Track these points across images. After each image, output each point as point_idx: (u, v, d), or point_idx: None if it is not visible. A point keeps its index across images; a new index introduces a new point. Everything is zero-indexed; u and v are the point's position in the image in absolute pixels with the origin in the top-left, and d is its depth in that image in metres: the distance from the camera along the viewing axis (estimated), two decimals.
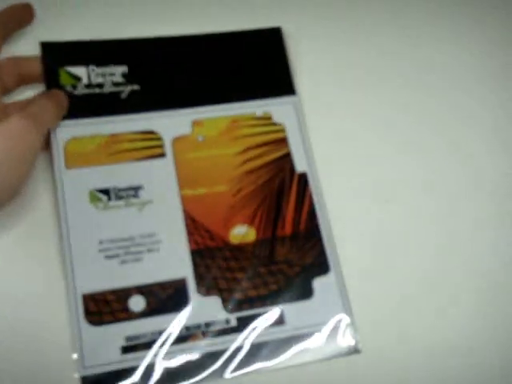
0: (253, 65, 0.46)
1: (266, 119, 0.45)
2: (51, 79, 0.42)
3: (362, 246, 0.43)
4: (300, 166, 0.44)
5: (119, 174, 0.42)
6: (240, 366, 0.39)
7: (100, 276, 0.39)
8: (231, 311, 0.40)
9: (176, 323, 0.39)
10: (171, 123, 0.44)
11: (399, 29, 0.50)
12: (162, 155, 0.43)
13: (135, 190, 0.42)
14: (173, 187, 0.42)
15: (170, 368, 0.38)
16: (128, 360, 0.38)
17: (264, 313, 0.40)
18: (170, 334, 0.39)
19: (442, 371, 0.41)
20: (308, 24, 0.49)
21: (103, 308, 0.39)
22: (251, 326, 0.40)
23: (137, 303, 0.39)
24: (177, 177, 0.42)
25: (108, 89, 0.43)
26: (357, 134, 0.46)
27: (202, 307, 0.40)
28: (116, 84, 0.43)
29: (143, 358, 0.38)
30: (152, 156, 0.43)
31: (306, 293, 0.41)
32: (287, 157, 0.44)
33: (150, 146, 0.43)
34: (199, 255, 0.41)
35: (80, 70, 0.43)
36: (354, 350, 0.40)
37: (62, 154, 0.41)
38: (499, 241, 0.45)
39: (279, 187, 0.43)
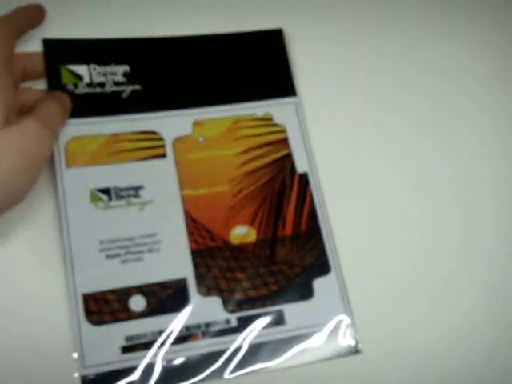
0: (254, 66, 0.46)
1: (267, 120, 0.45)
2: (53, 77, 0.42)
3: (362, 247, 0.43)
4: (301, 166, 0.44)
5: (120, 174, 0.42)
6: (240, 366, 0.39)
7: (100, 276, 0.39)
8: (231, 311, 0.40)
9: (176, 323, 0.39)
10: (172, 123, 0.44)
11: (399, 31, 0.50)
12: (163, 155, 0.43)
13: (136, 190, 0.42)
14: (173, 187, 0.42)
15: (170, 368, 0.38)
16: (128, 360, 0.38)
17: (264, 313, 0.40)
18: (170, 333, 0.39)
19: (442, 372, 0.41)
20: (309, 25, 0.49)
21: (103, 308, 0.39)
22: (251, 326, 0.40)
23: (137, 303, 0.39)
24: (177, 177, 0.42)
25: (109, 88, 0.43)
26: (357, 134, 0.46)
27: (202, 307, 0.40)
28: (117, 83, 0.43)
29: (143, 357, 0.38)
30: (153, 156, 0.43)
31: (306, 293, 0.41)
32: (288, 157, 0.44)
33: (150, 147, 0.43)
34: (200, 255, 0.41)
35: (81, 69, 0.43)
36: (355, 351, 0.40)
37: (62, 153, 0.41)
38: (499, 242, 0.45)
39: (280, 187, 0.43)
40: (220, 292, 0.40)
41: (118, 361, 0.38)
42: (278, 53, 0.47)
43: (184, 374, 0.38)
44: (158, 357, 0.38)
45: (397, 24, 0.51)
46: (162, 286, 0.40)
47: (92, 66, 0.43)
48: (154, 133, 0.43)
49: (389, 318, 0.41)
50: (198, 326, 0.39)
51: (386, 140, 0.46)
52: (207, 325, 0.39)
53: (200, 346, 0.39)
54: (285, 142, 0.45)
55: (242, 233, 0.42)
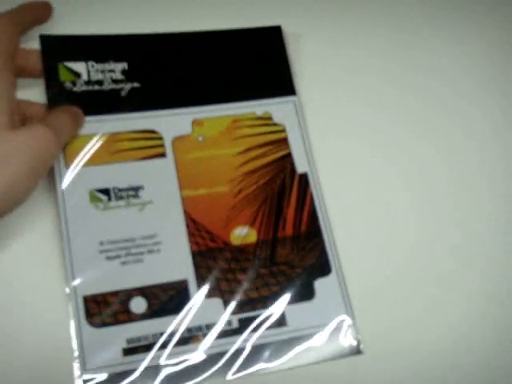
0: (253, 63, 0.46)
1: (267, 119, 0.45)
2: (50, 75, 0.42)
3: (363, 247, 0.43)
4: (301, 166, 0.44)
5: (119, 174, 0.41)
6: (242, 368, 0.39)
7: (101, 278, 0.39)
8: (233, 313, 0.40)
9: (177, 325, 0.39)
10: (171, 122, 0.43)
11: (399, 31, 0.50)
12: (163, 155, 0.42)
13: (135, 191, 0.41)
14: (173, 188, 0.42)
15: (171, 370, 0.38)
16: (129, 362, 0.38)
17: (266, 314, 0.40)
18: (172, 335, 0.39)
19: (443, 372, 0.41)
20: (309, 23, 0.49)
21: (104, 310, 0.38)
22: (253, 327, 0.40)
23: (138, 305, 0.39)
24: (177, 177, 0.42)
25: (108, 86, 0.43)
26: (357, 134, 0.46)
27: (203, 309, 0.39)
28: (115, 81, 0.43)
29: (145, 360, 0.38)
30: (152, 156, 0.42)
31: (307, 294, 0.41)
32: (288, 157, 0.44)
33: (150, 146, 0.42)
34: (200, 256, 0.41)
35: (79, 66, 0.42)
36: (356, 351, 0.40)
37: (62, 152, 0.41)
38: (499, 242, 0.46)
39: (280, 188, 0.43)
40: (221, 293, 0.40)
41: (120, 363, 0.38)
42: (277, 50, 0.47)
43: (186, 375, 0.38)
44: (159, 359, 0.38)
45: (397, 24, 0.51)
46: (163, 287, 0.39)
47: (90, 63, 0.43)
48: (153, 132, 0.43)
49: (390, 318, 0.42)
50: (200, 328, 0.39)
51: (386, 140, 0.47)
52: (208, 326, 0.39)
53: (202, 348, 0.39)
54: (284, 141, 0.45)
55: (242, 234, 0.42)
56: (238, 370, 0.39)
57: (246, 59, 0.46)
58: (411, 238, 0.44)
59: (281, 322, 0.40)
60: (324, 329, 0.40)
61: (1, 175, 0.34)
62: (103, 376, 0.37)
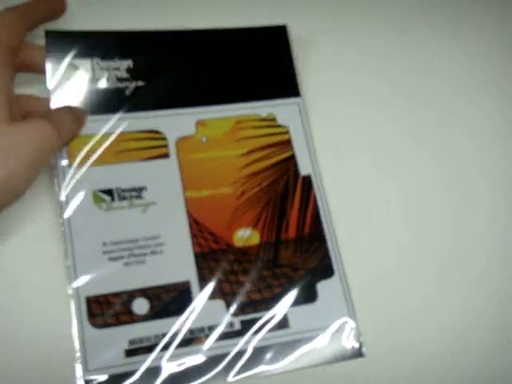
0: (257, 64, 0.46)
1: (270, 121, 0.45)
2: (55, 71, 0.41)
3: (366, 250, 0.43)
4: (304, 168, 0.44)
5: (123, 174, 0.41)
6: (243, 370, 0.39)
7: (104, 278, 0.39)
8: (235, 314, 0.40)
9: (179, 326, 0.39)
10: (175, 123, 0.43)
11: (403, 31, 0.50)
12: (166, 156, 0.42)
13: (139, 191, 0.41)
14: (177, 189, 0.42)
15: (173, 371, 0.38)
16: (131, 363, 0.38)
17: (268, 316, 0.40)
18: (174, 337, 0.39)
19: (446, 376, 0.41)
20: (314, 23, 0.48)
21: (107, 311, 0.38)
22: (255, 329, 0.40)
23: (140, 306, 0.39)
24: (181, 178, 0.42)
25: (112, 84, 0.43)
26: (361, 137, 0.46)
27: (205, 310, 0.39)
28: (120, 79, 0.43)
29: (147, 361, 0.38)
30: (156, 156, 0.42)
31: (310, 296, 0.41)
32: (291, 159, 0.44)
33: (154, 146, 0.42)
34: (203, 258, 0.41)
35: (84, 63, 0.42)
36: (358, 354, 0.40)
37: (65, 152, 0.41)
38: (501, 242, 0.46)
39: (283, 190, 0.43)
40: (223, 295, 0.40)
41: (122, 364, 0.38)
42: (281, 50, 0.47)
43: (187, 377, 0.38)
44: (161, 360, 0.38)
45: (402, 24, 0.51)
46: (166, 288, 0.39)
47: (95, 60, 0.43)
48: (157, 132, 0.42)
49: (393, 321, 0.42)
50: (202, 330, 0.39)
51: (390, 143, 0.46)
52: (211, 328, 0.39)
53: (203, 350, 0.39)
54: (288, 143, 0.44)
55: (245, 235, 0.42)
56: (240, 372, 0.39)
57: (250, 59, 0.46)
58: (414, 242, 0.44)
59: (283, 324, 0.40)
60: (326, 331, 0.40)
61: (0, 168, 0.34)
62: (105, 377, 0.37)
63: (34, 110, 0.40)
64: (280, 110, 0.45)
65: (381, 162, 0.46)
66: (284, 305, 0.40)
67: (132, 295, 0.39)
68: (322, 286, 0.41)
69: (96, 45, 0.43)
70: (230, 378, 0.38)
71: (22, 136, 0.35)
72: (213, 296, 0.40)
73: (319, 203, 0.43)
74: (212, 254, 0.41)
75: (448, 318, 0.43)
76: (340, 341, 0.40)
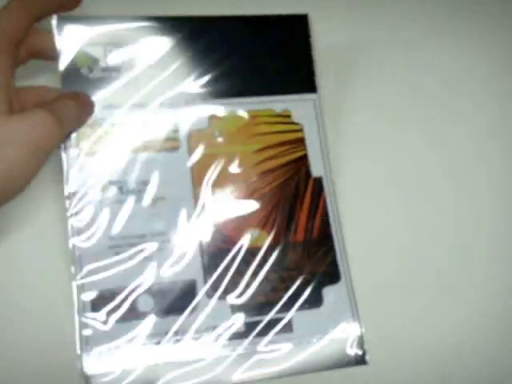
0: (275, 54, 0.44)
1: (285, 117, 0.44)
2: (66, 60, 0.40)
3: (374, 257, 0.43)
4: (316, 169, 0.43)
5: (132, 166, 0.40)
6: (245, 372, 0.39)
7: (109, 273, 0.38)
8: (239, 316, 0.39)
9: (183, 325, 0.39)
10: (188, 115, 0.42)
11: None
12: (177, 149, 0.41)
13: (147, 185, 0.40)
14: (186, 184, 0.41)
15: (174, 371, 0.38)
16: (133, 360, 0.38)
17: (272, 319, 0.40)
18: (177, 336, 0.38)
19: None
20: (337, 14, 0.46)
21: (111, 306, 0.38)
22: (259, 331, 0.39)
23: (145, 303, 0.39)
24: (191, 173, 0.41)
25: (125, 73, 0.41)
26: (377, 141, 0.45)
27: (209, 310, 0.39)
28: (134, 68, 0.41)
29: (149, 358, 0.38)
30: (166, 149, 0.41)
31: (315, 301, 0.41)
32: (304, 159, 0.43)
33: (165, 139, 0.41)
34: (210, 257, 0.40)
35: (97, 51, 0.41)
36: (361, 362, 0.40)
37: (73, 141, 0.39)
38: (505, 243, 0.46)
39: (294, 191, 0.42)
40: (229, 296, 0.40)
41: (124, 361, 0.37)
42: (301, 42, 0.45)
43: (189, 377, 0.38)
44: (164, 359, 0.38)
45: (424, 23, 0.49)
46: (171, 286, 0.39)
47: (108, 47, 0.41)
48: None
49: (398, 330, 0.42)
50: (205, 330, 0.39)
51: (407, 152, 0.46)
52: (214, 328, 0.39)
53: (206, 350, 0.39)
54: (302, 142, 0.43)
55: (253, 236, 0.41)
56: (242, 375, 0.39)
57: (267, 49, 0.44)
58: (425, 251, 0.44)
59: (287, 328, 0.40)
60: (330, 337, 0.40)
61: None
62: (107, 373, 0.37)
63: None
64: (296, 106, 0.44)
65: (396, 170, 0.45)
66: (289, 309, 0.40)
67: (137, 292, 0.39)
68: (328, 292, 0.41)
69: (109, 31, 0.41)
70: (232, 380, 0.38)
71: (20, 128, 0.34)
72: (218, 296, 0.40)
73: (329, 207, 0.43)
74: (219, 254, 0.40)
75: (454, 329, 0.43)
76: (343, 347, 0.40)
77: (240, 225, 0.41)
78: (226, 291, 0.40)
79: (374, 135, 0.46)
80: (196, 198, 0.41)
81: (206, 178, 0.41)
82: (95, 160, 0.40)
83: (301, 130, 0.44)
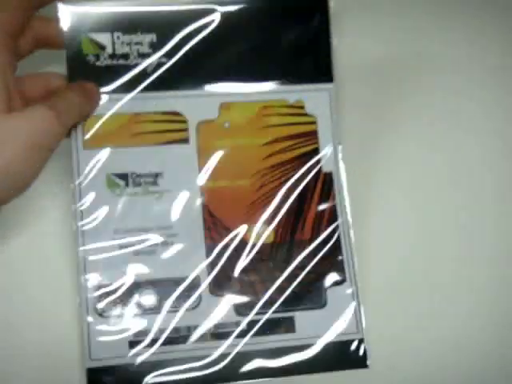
0: (290, 40, 0.42)
1: (298, 108, 0.42)
2: (72, 47, 0.39)
3: (381, 259, 0.42)
4: (327, 165, 0.42)
5: (139, 158, 0.40)
6: (246, 370, 0.39)
7: (113, 266, 0.38)
8: (242, 314, 0.39)
9: (185, 322, 0.39)
10: (198, 105, 0.41)
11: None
12: (186, 140, 0.40)
13: (154, 177, 0.40)
14: (193, 177, 0.40)
15: (175, 367, 0.38)
16: (134, 355, 0.38)
17: (275, 319, 0.40)
18: (179, 332, 0.39)
19: None
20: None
21: (114, 300, 0.38)
22: (261, 331, 0.39)
23: (147, 298, 0.39)
24: (199, 166, 0.40)
25: (133, 60, 0.40)
26: (393, 138, 0.43)
27: (212, 307, 0.39)
28: (142, 55, 0.40)
29: (150, 354, 0.38)
30: (175, 141, 0.40)
31: (319, 302, 0.40)
32: (315, 153, 0.42)
33: (173, 130, 0.40)
34: (214, 252, 0.40)
35: (104, 37, 0.39)
36: (362, 365, 0.40)
37: (80, 132, 0.39)
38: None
39: (303, 187, 0.41)
40: (232, 293, 0.40)
41: (125, 355, 0.38)
42: (319, 27, 0.42)
43: (190, 374, 0.38)
44: (165, 354, 0.38)
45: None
46: (174, 282, 0.39)
47: (116, 34, 0.39)
48: (177, 114, 0.40)
49: (400, 335, 0.42)
50: (208, 327, 0.39)
51: (426, 153, 0.44)
52: (216, 326, 0.39)
53: (208, 347, 0.39)
54: (314, 135, 0.42)
55: (259, 232, 0.41)
56: (242, 373, 0.39)
57: (283, 34, 0.42)
58: (430, 255, 0.43)
59: (289, 327, 0.40)
60: (332, 339, 0.40)
61: None
62: (108, 367, 0.38)
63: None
64: (309, 96, 0.42)
65: (410, 172, 0.43)
66: (292, 308, 0.40)
67: (140, 286, 0.39)
68: (332, 292, 0.41)
69: (117, 17, 0.39)
70: (232, 377, 0.39)
71: (18, 125, 0.33)
72: (221, 293, 0.39)
73: (338, 205, 0.41)
74: (224, 250, 0.40)
75: (457, 333, 0.42)
76: (345, 350, 0.40)
77: (247, 220, 0.40)
78: (230, 289, 0.40)
79: (392, 130, 0.44)
80: (203, 191, 0.40)
81: (213, 171, 0.40)
82: (102, 151, 0.39)
83: (314, 123, 0.42)
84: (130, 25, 0.40)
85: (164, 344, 0.38)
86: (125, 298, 0.38)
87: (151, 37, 0.40)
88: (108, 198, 0.39)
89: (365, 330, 0.40)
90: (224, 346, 0.39)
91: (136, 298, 0.38)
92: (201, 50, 0.41)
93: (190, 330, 0.39)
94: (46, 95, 0.37)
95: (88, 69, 0.39)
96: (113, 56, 0.39)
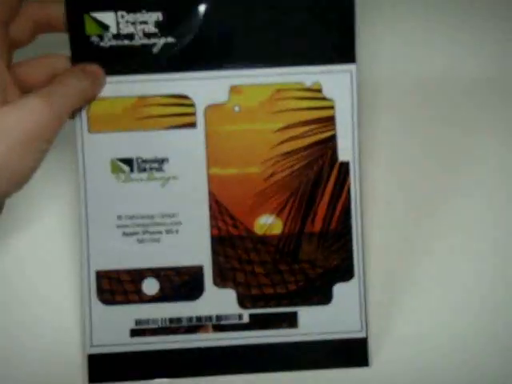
0: (309, 17, 0.38)
1: (315, 91, 0.39)
2: (75, 27, 0.37)
3: (392, 257, 0.40)
4: (343, 153, 0.39)
5: (144, 143, 0.38)
6: (246, 365, 0.39)
7: (116, 253, 0.38)
8: (245, 307, 0.39)
9: (187, 312, 0.38)
10: (207, 88, 0.38)
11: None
12: (193, 125, 0.39)
13: (160, 163, 0.38)
14: (200, 164, 0.39)
15: (176, 358, 0.38)
16: (135, 343, 0.38)
17: (278, 313, 0.39)
18: (180, 322, 0.38)
19: None
20: None
21: (116, 287, 0.38)
22: (263, 325, 0.39)
23: (150, 286, 0.38)
24: (206, 152, 0.39)
25: (139, 41, 0.38)
26: (416, 128, 0.40)
27: (215, 299, 0.39)
28: (148, 35, 0.38)
29: (150, 343, 0.38)
30: (182, 125, 0.38)
31: (324, 298, 0.39)
32: (331, 141, 0.39)
33: (180, 114, 0.38)
34: (220, 243, 0.39)
35: (108, 17, 0.37)
36: (363, 363, 0.39)
37: (84, 116, 0.38)
38: None
39: (316, 176, 0.39)
40: (236, 285, 0.39)
41: (126, 343, 0.38)
42: (341, 4, 0.39)
43: (189, 365, 0.39)
44: (165, 344, 0.38)
45: None
46: (177, 271, 0.38)
47: (120, 13, 0.37)
48: (185, 97, 0.38)
49: (404, 336, 0.40)
50: (210, 318, 0.39)
51: (447, 145, 0.40)
52: (218, 318, 0.39)
53: (209, 339, 0.39)
54: (331, 121, 0.39)
55: (267, 223, 0.39)
56: (242, 367, 0.39)
57: (299, 9, 0.39)
58: (440, 256, 0.41)
59: (292, 323, 0.39)
60: (335, 336, 0.39)
61: None
62: (109, 354, 0.38)
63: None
64: (328, 78, 0.39)
65: (431, 165, 0.40)
66: (296, 303, 0.39)
67: (143, 274, 0.38)
68: (339, 289, 0.39)
69: None
70: (231, 371, 0.39)
71: (10, 119, 0.32)
72: (225, 284, 0.39)
73: (352, 197, 0.39)
74: (230, 240, 0.39)
75: (461, 337, 0.41)
76: (347, 348, 0.39)
77: (254, 210, 0.39)
78: (234, 280, 0.39)
79: (420, 123, 0.41)
80: (210, 178, 0.39)
81: (221, 158, 0.39)
82: (106, 135, 0.38)
83: (331, 107, 0.39)
84: (134, 3, 0.37)
85: (165, 333, 0.38)
86: (127, 286, 0.38)
87: (157, 15, 0.38)
88: (112, 184, 0.38)
89: (369, 328, 0.39)
90: (225, 337, 0.39)
91: (139, 286, 0.38)
92: (210, 29, 0.38)
93: (192, 320, 0.38)
94: (50, 79, 0.36)
95: (92, 50, 0.37)
96: (117, 36, 0.38)
